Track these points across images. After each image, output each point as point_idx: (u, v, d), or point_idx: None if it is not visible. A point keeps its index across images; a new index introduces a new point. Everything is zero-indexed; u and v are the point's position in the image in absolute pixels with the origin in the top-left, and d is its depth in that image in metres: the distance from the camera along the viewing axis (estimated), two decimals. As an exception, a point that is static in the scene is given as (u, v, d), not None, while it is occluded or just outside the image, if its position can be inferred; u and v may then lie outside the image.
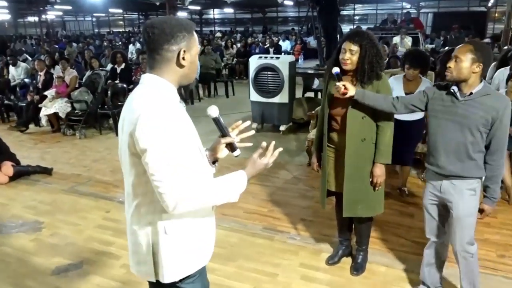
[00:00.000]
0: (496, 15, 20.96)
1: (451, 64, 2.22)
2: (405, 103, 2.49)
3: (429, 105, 2.39)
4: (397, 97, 2.53)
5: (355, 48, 2.52)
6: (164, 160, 1.31)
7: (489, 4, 19.22)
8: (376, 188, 2.70)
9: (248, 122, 1.73)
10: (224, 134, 1.62)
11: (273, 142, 1.61)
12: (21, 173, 4.87)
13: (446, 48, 8.88)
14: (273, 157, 1.59)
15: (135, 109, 1.34)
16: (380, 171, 2.64)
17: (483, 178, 2.31)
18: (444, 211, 2.47)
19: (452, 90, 2.26)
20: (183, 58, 1.41)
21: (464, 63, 2.17)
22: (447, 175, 2.34)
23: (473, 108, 2.20)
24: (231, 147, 1.62)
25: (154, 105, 1.34)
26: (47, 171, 4.99)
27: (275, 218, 3.82)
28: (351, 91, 2.48)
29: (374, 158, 2.65)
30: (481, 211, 2.35)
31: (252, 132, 1.73)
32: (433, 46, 12.28)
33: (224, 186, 1.45)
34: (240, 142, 1.70)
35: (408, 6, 20.91)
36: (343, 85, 2.48)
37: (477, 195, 2.33)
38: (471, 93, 2.21)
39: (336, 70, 2.54)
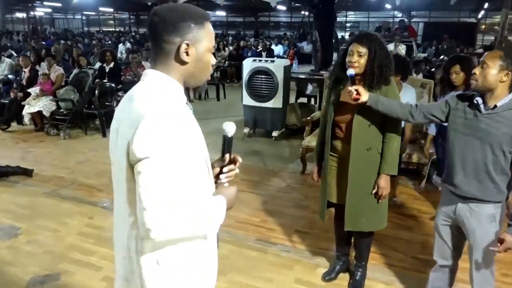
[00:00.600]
0: (484, 26, 21.18)
1: (477, 70, 2.01)
2: (424, 112, 2.27)
3: (450, 117, 2.17)
4: (416, 105, 2.33)
5: (363, 50, 2.34)
6: (163, 175, 1.10)
7: (479, 16, 19.37)
8: (380, 201, 2.52)
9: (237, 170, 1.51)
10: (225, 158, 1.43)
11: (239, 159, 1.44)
12: (-1, 174, 4.59)
13: (442, 57, 8.82)
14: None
15: (137, 109, 1.13)
16: (385, 183, 2.46)
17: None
18: (458, 234, 2.26)
19: (475, 102, 2.05)
20: (186, 53, 1.19)
21: (492, 70, 1.97)
22: (463, 196, 2.12)
23: (497, 123, 1.98)
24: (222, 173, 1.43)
25: (160, 107, 1.13)
26: (27, 173, 4.72)
27: (268, 228, 3.62)
28: (364, 96, 2.28)
29: (379, 169, 2.47)
30: (500, 240, 1.98)
31: (237, 170, 1.49)
32: (426, 55, 12.25)
33: (213, 215, 1.24)
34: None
35: (400, 15, 21.01)
36: (356, 90, 2.29)
37: (497, 222, 2.10)
38: (495, 106, 2.00)
39: (351, 72, 2.35)
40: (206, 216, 1.21)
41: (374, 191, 2.49)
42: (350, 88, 2.30)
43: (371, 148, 2.44)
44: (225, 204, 1.28)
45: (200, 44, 1.22)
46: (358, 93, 2.28)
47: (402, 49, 9.14)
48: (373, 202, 2.54)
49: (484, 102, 2.04)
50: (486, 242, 2.10)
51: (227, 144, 1.38)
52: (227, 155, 1.42)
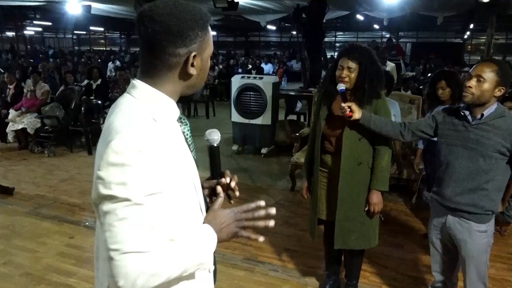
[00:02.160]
0: (470, 47, 21.59)
1: (471, 83, 1.95)
2: (413, 130, 2.25)
3: (439, 131, 2.15)
4: (405, 124, 2.28)
5: (353, 65, 2.28)
6: (135, 217, 0.91)
7: (465, 36, 19.76)
8: (373, 217, 2.43)
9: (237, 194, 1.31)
10: (214, 175, 1.23)
11: (262, 203, 1.15)
12: (-22, 193, 4.43)
13: (429, 75, 8.89)
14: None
15: (110, 131, 0.95)
16: (377, 199, 2.38)
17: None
18: (452, 246, 2.20)
19: (462, 113, 2.03)
20: (192, 65, 1.03)
21: (487, 84, 1.92)
22: (454, 208, 2.08)
23: (487, 133, 1.96)
24: (215, 194, 1.23)
25: (135, 132, 0.94)
26: (8, 191, 4.57)
27: (256, 247, 3.49)
28: (357, 114, 2.22)
29: (370, 184, 2.39)
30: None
31: (237, 193, 1.29)
32: (414, 73, 12.38)
33: (195, 253, 1.02)
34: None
35: (388, 35, 21.37)
36: (349, 107, 2.22)
37: (489, 232, 2.06)
38: (482, 115, 1.97)
39: (342, 87, 2.27)
40: (189, 254, 1.00)
41: (366, 209, 2.42)
42: (343, 105, 2.24)
43: (362, 163, 2.38)
44: (213, 236, 1.06)
45: (206, 51, 1.07)
46: (351, 110, 2.22)
47: (390, 68, 9.08)
48: (364, 219, 2.45)
49: (471, 113, 2.02)
50: (478, 253, 2.07)
51: (214, 156, 1.21)
52: (223, 179, 1.23)
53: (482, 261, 2.08)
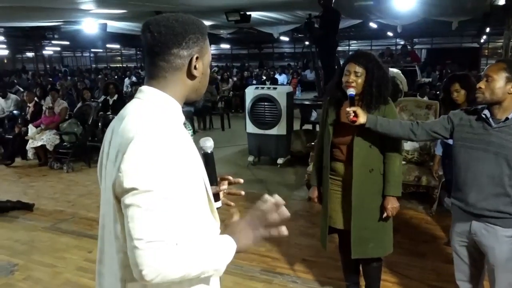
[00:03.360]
0: (487, 51, 21.25)
1: (482, 84, 1.94)
2: (426, 129, 2.19)
3: (456, 133, 2.10)
4: (417, 123, 2.24)
5: (360, 70, 2.27)
6: (157, 208, 0.96)
7: (482, 41, 19.48)
8: (388, 223, 2.39)
9: (241, 180, 1.40)
10: (211, 181, 1.26)
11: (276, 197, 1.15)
12: (-1, 209, 4.50)
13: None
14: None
15: (128, 130, 1.01)
16: (392, 204, 2.35)
17: None
18: (477, 253, 2.12)
19: (483, 116, 1.98)
20: (195, 67, 1.11)
21: (497, 82, 1.90)
22: (478, 214, 2.00)
23: (510, 136, 1.90)
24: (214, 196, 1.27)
25: (153, 127, 1.01)
26: (27, 207, 4.64)
27: (274, 258, 3.46)
28: (362, 118, 2.19)
29: (384, 191, 2.35)
30: None
31: (242, 192, 1.39)
32: (430, 79, 12.23)
33: (214, 256, 1.05)
34: (226, 195, 1.39)
35: (402, 42, 21.22)
36: (354, 111, 2.19)
37: None
38: (506, 119, 1.92)
39: (351, 92, 2.26)
40: (209, 255, 1.03)
41: (384, 215, 2.37)
42: (348, 109, 2.22)
43: (373, 169, 2.35)
44: (233, 245, 1.08)
45: (205, 56, 1.15)
46: (356, 115, 2.19)
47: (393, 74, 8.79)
48: (378, 226, 2.41)
49: (492, 115, 1.97)
50: (507, 260, 1.98)
51: (209, 161, 1.27)
52: (223, 187, 1.33)
53: (511, 268, 1.99)
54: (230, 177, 1.41)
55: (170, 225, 0.98)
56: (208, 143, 1.29)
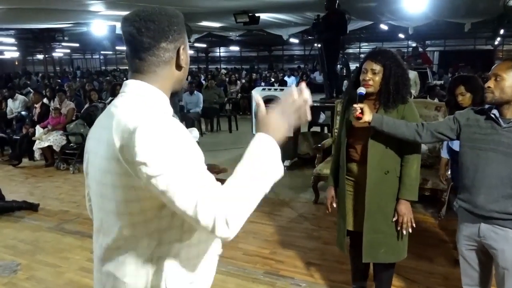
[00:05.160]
0: (501, 54, 21.02)
1: (491, 83, 1.91)
2: (432, 130, 2.15)
3: (462, 134, 2.06)
4: (422, 124, 2.20)
5: (377, 67, 2.23)
6: (188, 175, 0.97)
7: (496, 43, 19.29)
8: (404, 230, 2.33)
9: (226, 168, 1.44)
10: None
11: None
12: (4, 209, 4.56)
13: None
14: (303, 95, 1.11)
15: (125, 123, 1.01)
16: (405, 209, 2.30)
17: None
18: (485, 258, 2.08)
19: (492, 115, 1.94)
20: (182, 58, 1.14)
21: (507, 81, 1.87)
22: (487, 216, 1.97)
23: None
24: None
25: (154, 116, 1.03)
26: (33, 207, 4.68)
27: (278, 261, 3.43)
28: (367, 116, 2.16)
29: (398, 194, 2.31)
30: None
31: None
32: (442, 82, 12.12)
33: (261, 167, 1.04)
34: None
35: (414, 44, 21.10)
36: (361, 108, 2.17)
37: None
38: None
39: (361, 90, 2.24)
40: (260, 168, 1.03)
41: (394, 219, 2.33)
42: (355, 105, 2.19)
43: (389, 171, 2.30)
44: (273, 142, 1.06)
45: (187, 45, 1.18)
46: (362, 112, 2.17)
47: (412, 76, 8.70)
48: (392, 230, 2.36)
49: (501, 115, 1.93)
50: None
51: None
52: None
53: None
54: (218, 165, 1.49)
55: (211, 178, 1.00)
56: (194, 133, 1.31)
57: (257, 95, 1.17)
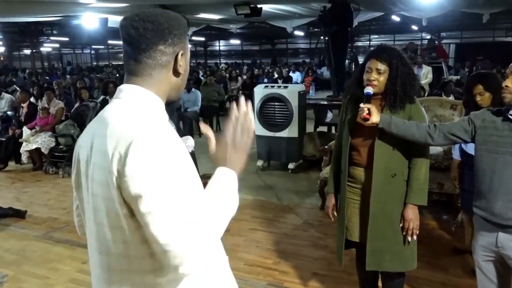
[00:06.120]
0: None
1: (509, 83, 1.91)
2: (445, 132, 2.14)
3: (478, 136, 2.06)
4: (435, 125, 2.20)
5: (382, 67, 2.24)
6: (176, 208, 1.01)
7: (516, 34, 19.26)
8: (409, 237, 2.34)
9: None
10: None
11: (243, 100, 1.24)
12: (-11, 217, 4.58)
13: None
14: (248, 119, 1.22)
15: (120, 133, 1.03)
16: (412, 214, 2.31)
17: None
18: (503, 269, 2.08)
19: (510, 116, 1.94)
20: (180, 64, 1.17)
21: None
22: (505, 225, 1.97)
23: None
24: None
25: (151, 129, 1.05)
26: (20, 214, 4.72)
27: (281, 271, 3.45)
28: (375, 117, 2.17)
29: (405, 198, 2.32)
30: None
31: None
32: (458, 77, 12.09)
33: (226, 204, 1.15)
34: None
35: (428, 36, 21.05)
36: (368, 109, 2.18)
37: None
38: None
39: (368, 90, 2.24)
40: (223, 213, 1.13)
41: (401, 225, 2.34)
42: (362, 105, 2.20)
43: (396, 174, 2.31)
44: (234, 175, 1.18)
45: (187, 53, 1.21)
46: (369, 113, 2.17)
47: (425, 70, 8.62)
48: (399, 237, 2.37)
49: None
50: None
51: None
52: None
53: None
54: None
55: (192, 216, 1.03)
56: (189, 142, 1.36)
57: (207, 128, 1.23)
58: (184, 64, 1.18)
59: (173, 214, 1.01)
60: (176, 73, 1.17)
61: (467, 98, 3.23)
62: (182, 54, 1.17)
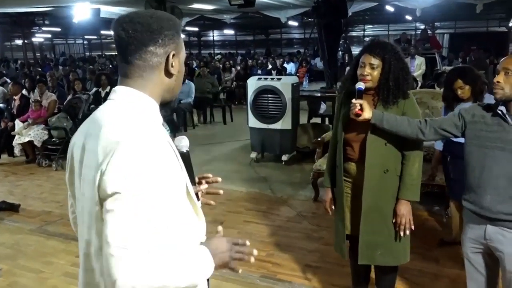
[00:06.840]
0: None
1: (500, 78, 1.92)
2: (435, 127, 2.17)
3: (468, 131, 2.09)
4: (426, 120, 2.23)
5: (376, 62, 2.26)
6: (138, 214, 0.99)
7: (510, 24, 19.25)
8: (401, 232, 2.37)
9: (219, 179, 1.51)
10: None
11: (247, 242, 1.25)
12: (-18, 211, 4.57)
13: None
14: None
15: (110, 135, 1.04)
16: (405, 209, 2.34)
17: None
18: (491, 261, 2.12)
19: (499, 112, 1.96)
20: (172, 65, 1.16)
21: None
22: (494, 218, 2.00)
23: None
24: None
25: (137, 132, 1.05)
26: (13, 208, 4.71)
27: (275, 263, 3.48)
28: (367, 113, 2.18)
29: (398, 194, 2.35)
30: None
31: (220, 192, 1.50)
32: (452, 68, 12.10)
33: (192, 270, 1.10)
34: (205, 195, 1.49)
35: (422, 26, 21.06)
36: (360, 104, 2.19)
37: None
38: None
39: (360, 85, 2.26)
40: (188, 264, 1.08)
41: (393, 221, 2.37)
42: (354, 101, 2.21)
43: (388, 170, 2.33)
44: (211, 260, 1.13)
45: (181, 54, 1.20)
46: (361, 109, 2.19)
47: (418, 61, 8.58)
48: (391, 231, 2.41)
49: (509, 111, 1.96)
50: None
51: (185, 161, 1.30)
52: (202, 186, 1.43)
53: None
54: (210, 175, 1.49)
55: (151, 231, 1.01)
56: (184, 142, 1.36)
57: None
58: (177, 65, 1.17)
59: (132, 221, 0.99)
60: (168, 74, 1.17)
61: (447, 93, 3.38)
62: (174, 55, 1.16)
